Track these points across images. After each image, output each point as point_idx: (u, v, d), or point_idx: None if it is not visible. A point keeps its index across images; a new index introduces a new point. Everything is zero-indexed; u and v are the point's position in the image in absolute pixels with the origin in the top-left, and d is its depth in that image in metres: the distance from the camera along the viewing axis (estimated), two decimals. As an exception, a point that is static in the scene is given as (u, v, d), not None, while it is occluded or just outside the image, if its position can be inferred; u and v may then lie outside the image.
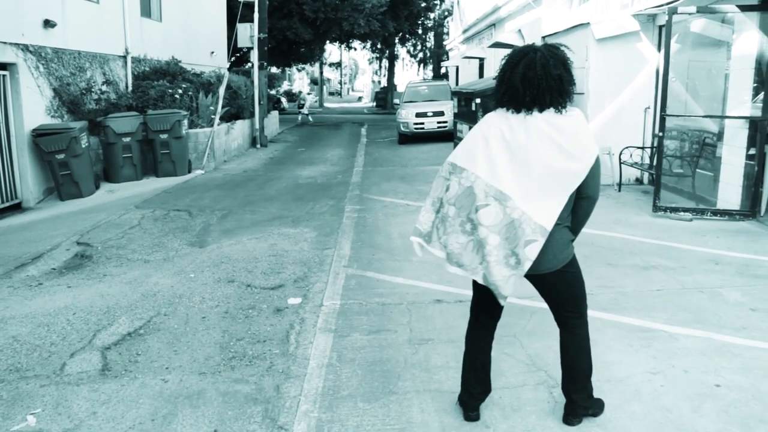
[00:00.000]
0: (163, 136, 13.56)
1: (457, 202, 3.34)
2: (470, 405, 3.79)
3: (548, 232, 3.24)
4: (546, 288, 3.54)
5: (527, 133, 3.25)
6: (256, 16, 19.78)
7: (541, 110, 3.28)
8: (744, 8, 8.31)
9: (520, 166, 3.26)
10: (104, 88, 13.99)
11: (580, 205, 3.46)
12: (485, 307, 3.65)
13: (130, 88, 15.07)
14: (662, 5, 9.21)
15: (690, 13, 8.66)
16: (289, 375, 4.45)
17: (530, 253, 3.24)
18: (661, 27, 10.72)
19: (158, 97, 14.46)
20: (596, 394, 3.86)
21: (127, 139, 13.01)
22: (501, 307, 3.63)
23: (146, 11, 16.83)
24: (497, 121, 3.36)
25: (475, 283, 3.57)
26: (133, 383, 4.39)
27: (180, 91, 14.92)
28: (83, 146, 11.69)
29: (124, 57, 15.26)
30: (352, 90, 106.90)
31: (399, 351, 4.73)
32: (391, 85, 49.86)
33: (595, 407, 3.80)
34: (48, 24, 11.74)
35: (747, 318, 5.28)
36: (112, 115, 13.00)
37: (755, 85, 8.46)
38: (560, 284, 3.50)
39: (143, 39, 16.28)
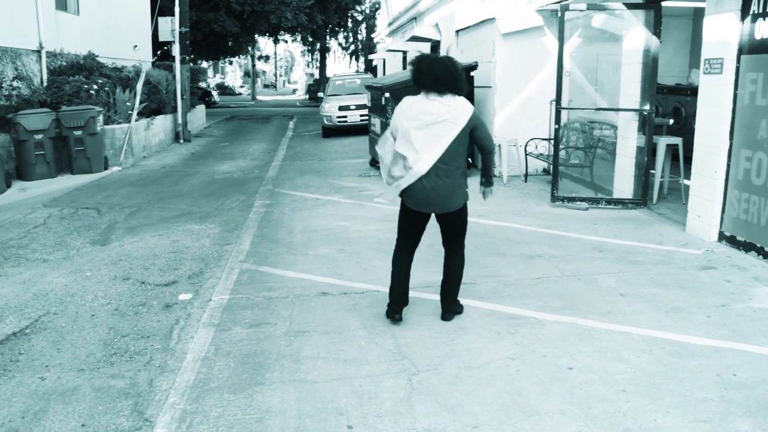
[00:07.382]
0: (78, 133, 13.37)
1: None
2: (395, 309, 5.16)
3: (413, 167, 4.75)
4: (447, 222, 5.01)
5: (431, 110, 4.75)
6: (176, 9, 19.60)
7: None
8: (630, 6, 8.68)
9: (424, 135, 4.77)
10: (15, 83, 13.72)
11: (483, 158, 5.12)
12: (411, 233, 5.13)
13: (45, 84, 14.80)
14: (558, 1, 9.53)
15: (581, 10, 9.00)
16: (165, 369, 4.57)
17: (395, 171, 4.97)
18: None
19: (73, 92, 14.20)
20: (454, 381, 4.23)
21: (39, 136, 12.80)
22: (421, 234, 5.17)
23: (62, 4, 16.46)
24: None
25: (405, 214, 5.08)
26: (10, 382, 4.45)
27: (96, 86, 14.70)
28: (-9, 144, 11.50)
29: (38, 52, 14.95)
30: (288, 82, 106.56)
31: (274, 343, 4.89)
32: (323, 78, 49.85)
33: (459, 308, 5.34)
34: (-48, 19, 11.52)
35: (614, 303, 5.59)
36: (22, 112, 12.76)
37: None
38: (456, 220, 5.00)
39: (59, 33, 15.96)
